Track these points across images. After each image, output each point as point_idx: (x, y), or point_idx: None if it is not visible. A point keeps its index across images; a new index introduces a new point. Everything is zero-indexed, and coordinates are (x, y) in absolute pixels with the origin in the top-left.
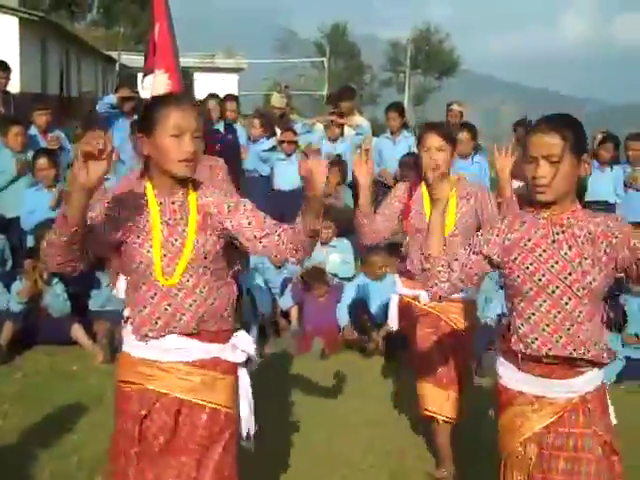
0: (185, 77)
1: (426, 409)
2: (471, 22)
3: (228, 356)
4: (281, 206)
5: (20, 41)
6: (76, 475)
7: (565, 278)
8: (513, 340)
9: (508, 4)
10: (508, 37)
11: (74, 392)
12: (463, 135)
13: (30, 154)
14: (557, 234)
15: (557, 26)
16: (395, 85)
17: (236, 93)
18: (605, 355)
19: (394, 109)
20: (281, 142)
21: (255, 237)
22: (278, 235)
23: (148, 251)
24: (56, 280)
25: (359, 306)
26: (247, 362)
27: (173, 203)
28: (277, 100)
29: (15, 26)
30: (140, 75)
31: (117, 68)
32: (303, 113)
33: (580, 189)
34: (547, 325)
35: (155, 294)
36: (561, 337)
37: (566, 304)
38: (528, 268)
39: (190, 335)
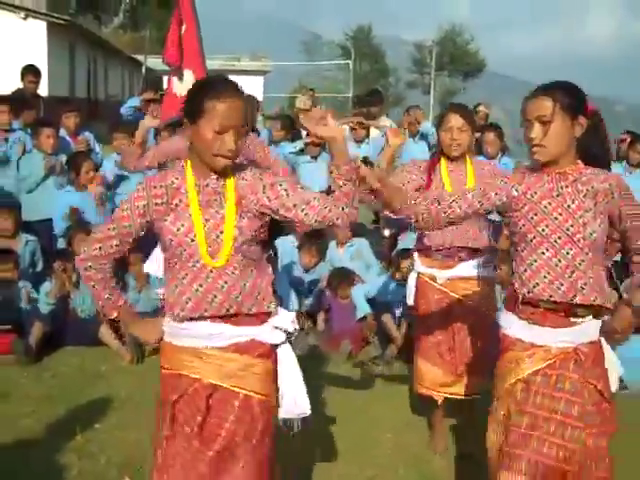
0: None
1: (421, 385)
2: (496, 23)
3: (265, 337)
4: None
5: (48, 45)
6: (105, 475)
7: (567, 229)
8: (516, 284)
9: (532, 4)
10: (533, 37)
11: (102, 392)
12: (490, 136)
13: (61, 156)
14: (562, 188)
15: (584, 26)
16: (420, 87)
17: (261, 95)
18: (606, 304)
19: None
20: (307, 144)
21: (296, 206)
22: (318, 200)
23: (178, 229)
24: None
25: (379, 309)
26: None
27: (207, 185)
28: (302, 102)
29: (43, 30)
30: (166, 78)
31: (143, 71)
32: None
33: None
34: (548, 272)
35: (186, 274)
36: (562, 284)
37: (567, 253)
38: (533, 218)
39: (224, 318)
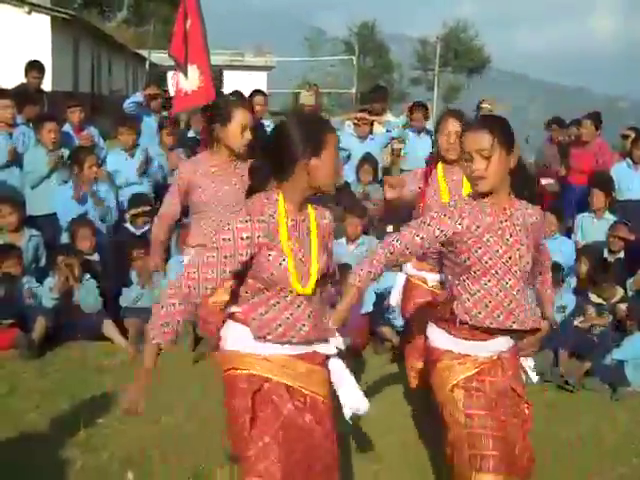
0: (214, 74)
1: (415, 379)
2: (500, 19)
3: (323, 350)
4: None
5: (52, 40)
6: (107, 469)
7: (506, 261)
8: (459, 311)
9: (537, 0)
10: (537, 34)
11: (105, 387)
12: None
13: (63, 150)
14: (501, 222)
15: (587, 23)
16: (424, 83)
17: (265, 91)
18: (538, 322)
19: (419, 108)
20: None
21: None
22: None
23: (280, 264)
24: (88, 277)
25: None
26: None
27: (304, 220)
28: (306, 98)
29: (47, 25)
30: (170, 73)
31: (147, 66)
32: (332, 111)
33: (609, 186)
34: (489, 302)
35: (278, 302)
36: (502, 313)
37: (506, 283)
38: (477, 252)
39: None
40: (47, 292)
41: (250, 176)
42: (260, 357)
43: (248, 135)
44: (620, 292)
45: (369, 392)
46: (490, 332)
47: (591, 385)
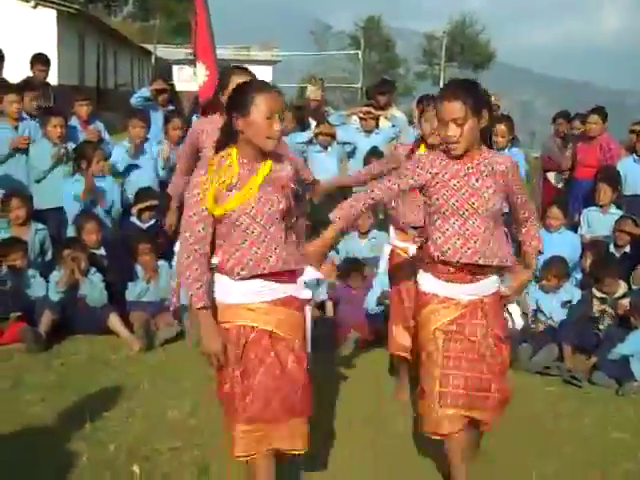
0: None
1: (392, 346)
2: (506, 14)
3: (298, 293)
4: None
5: (58, 34)
6: (113, 462)
7: (472, 203)
8: (432, 248)
9: None
10: (544, 29)
11: (111, 381)
12: (500, 127)
13: (69, 145)
14: (468, 169)
15: (594, 18)
16: (430, 78)
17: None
18: (507, 260)
19: (428, 100)
20: (317, 134)
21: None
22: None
23: (239, 204)
24: (93, 270)
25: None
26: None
27: (258, 168)
28: (313, 92)
29: (53, 19)
30: (175, 67)
31: (153, 60)
32: (338, 105)
33: (616, 180)
34: (458, 239)
35: (245, 240)
36: (469, 249)
37: (473, 223)
38: (445, 194)
39: (270, 277)
40: (53, 286)
41: (220, 133)
42: (244, 307)
43: None
44: (623, 287)
45: (373, 385)
46: (466, 271)
47: (597, 380)
